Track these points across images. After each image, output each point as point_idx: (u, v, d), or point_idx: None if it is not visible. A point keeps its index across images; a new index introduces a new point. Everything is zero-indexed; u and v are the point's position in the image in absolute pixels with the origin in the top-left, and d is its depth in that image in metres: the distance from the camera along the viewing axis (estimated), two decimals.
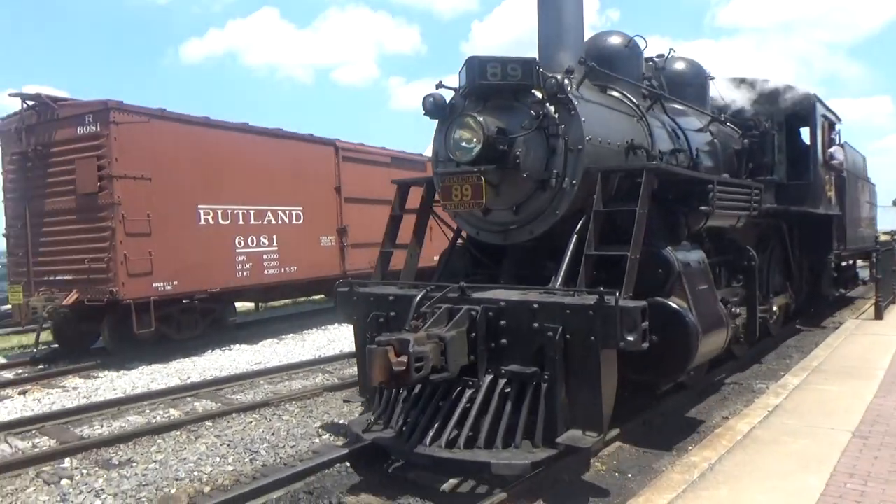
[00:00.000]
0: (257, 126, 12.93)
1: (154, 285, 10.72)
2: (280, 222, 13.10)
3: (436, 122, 5.95)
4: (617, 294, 4.45)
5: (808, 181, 9.77)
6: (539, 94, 5.39)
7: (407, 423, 5.04)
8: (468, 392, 4.95)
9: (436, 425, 4.86)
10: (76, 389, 9.24)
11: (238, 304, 14.09)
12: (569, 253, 5.24)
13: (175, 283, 11.03)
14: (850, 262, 13.27)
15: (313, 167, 13.95)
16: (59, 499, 5.16)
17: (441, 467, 4.81)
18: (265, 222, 12.78)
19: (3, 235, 12.03)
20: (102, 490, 5.26)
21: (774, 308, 8.59)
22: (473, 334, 4.94)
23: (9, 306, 12.42)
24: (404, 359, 4.44)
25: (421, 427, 4.93)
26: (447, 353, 4.68)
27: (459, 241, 6.55)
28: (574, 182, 5.32)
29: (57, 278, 10.93)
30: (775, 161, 8.50)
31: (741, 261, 7.23)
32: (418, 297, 5.23)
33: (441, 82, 5.81)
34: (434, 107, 5.73)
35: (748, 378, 8.03)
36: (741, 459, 4.65)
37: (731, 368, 8.21)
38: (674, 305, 5.30)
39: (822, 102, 10.15)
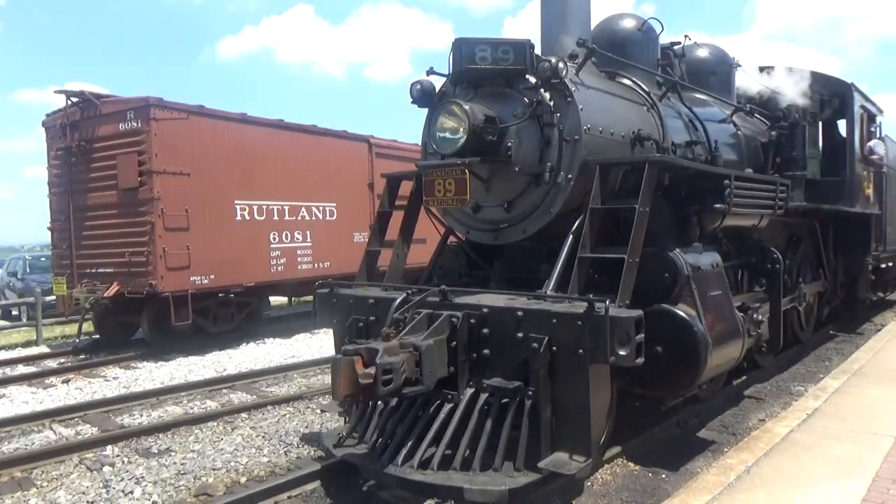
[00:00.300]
0: (293, 123, 12.92)
1: (191, 279, 10.83)
2: (314, 218, 13.06)
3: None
4: (607, 302, 3.85)
5: (843, 177, 8.92)
6: (533, 80, 4.80)
7: (380, 439, 4.54)
8: (447, 407, 4.41)
9: (409, 443, 4.34)
10: (116, 379, 9.40)
11: (272, 299, 14.13)
12: (563, 254, 4.65)
13: (212, 276, 11.13)
14: (890, 263, 12.30)
15: (347, 163, 13.83)
16: (101, 485, 5.20)
17: (413, 490, 4.28)
18: (299, 218, 12.78)
19: (49, 229, 12.22)
20: (143, 477, 5.31)
21: (805, 293, 7.64)
22: (454, 343, 4.40)
23: (53, 297, 12.66)
24: (372, 370, 3.94)
25: (394, 444, 4.42)
26: (422, 363, 4.15)
27: (456, 240, 6.00)
28: (570, 176, 4.73)
29: (99, 271, 11.13)
30: (806, 155, 7.71)
31: (764, 263, 6.53)
32: (397, 302, 4.71)
33: (432, 68, 5.26)
34: (422, 95, 5.19)
35: (786, 380, 7.65)
36: (779, 463, 4.47)
37: (770, 373, 7.73)
38: (681, 314, 4.69)
39: (860, 92, 9.28)
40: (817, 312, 9.06)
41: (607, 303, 3.85)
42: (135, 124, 10.57)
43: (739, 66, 7.74)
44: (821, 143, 9.44)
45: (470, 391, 4.39)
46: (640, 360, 3.89)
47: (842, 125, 9.75)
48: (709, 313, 4.85)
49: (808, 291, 8.05)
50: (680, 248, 4.90)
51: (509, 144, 4.83)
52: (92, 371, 10.00)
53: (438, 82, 5.34)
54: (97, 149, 11.05)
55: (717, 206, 5.27)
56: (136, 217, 10.56)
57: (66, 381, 9.41)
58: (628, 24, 6.22)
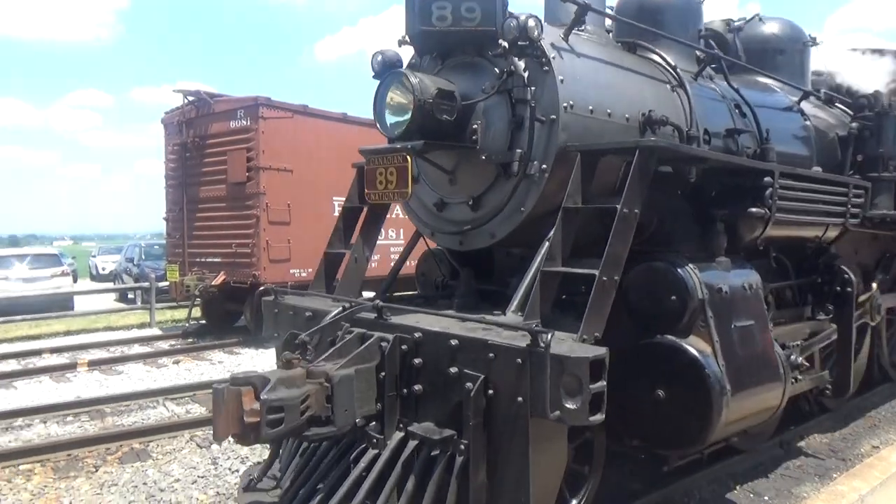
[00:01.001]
0: None
1: (291, 271, 11.08)
2: (407, 217, 13.00)
3: None
4: (549, 336, 2.75)
5: None
6: (506, 45, 3.72)
7: (292, 486, 3.62)
8: (371, 453, 3.43)
9: (318, 497, 3.39)
10: (221, 363, 9.96)
11: (364, 293, 13.94)
12: (534, 266, 3.56)
13: (310, 270, 11.25)
14: None
15: None
16: (210, 461, 5.50)
17: None
18: (393, 216, 12.61)
19: (164, 219, 12.97)
20: (248, 458, 5.50)
21: (881, 304, 5.87)
22: (383, 374, 3.41)
23: (166, 283, 13.22)
24: (258, 406, 3.03)
25: (302, 497, 3.48)
26: (333, 399, 3.19)
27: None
28: (544, 166, 3.62)
29: (208, 260, 11.72)
30: None
31: (832, 285, 5.12)
32: (329, 317, 3.78)
33: (404, 37, 4.25)
34: (383, 68, 4.17)
35: None
36: None
37: (883, 397, 6.76)
38: (690, 349, 3.52)
39: None
40: None
41: (549, 336, 2.75)
42: (244, 122, 10.99)
43: (816, 44, 6.25)
44: None
45: (399, 436, 3.39)
46: (598, 418, 2.76)
47: None
48: (730, 349, 3.65)
49: (886, 304, 6.31)
50: (696, 263, 3.70)
51: (475, 126, 3.79)
52: (199, 354, 10.58)
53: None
54: (209, 145, 11.55)
55: (754, 210, 4.02)
56: (243, 210, 11.00)
57: (177, 363, 10.03)
58: None
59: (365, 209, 4.49)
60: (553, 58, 3.61)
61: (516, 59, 3.69)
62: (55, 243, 55.21)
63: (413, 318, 3.56)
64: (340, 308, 3.81)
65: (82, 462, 5.67)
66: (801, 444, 5.48)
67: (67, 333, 13.81)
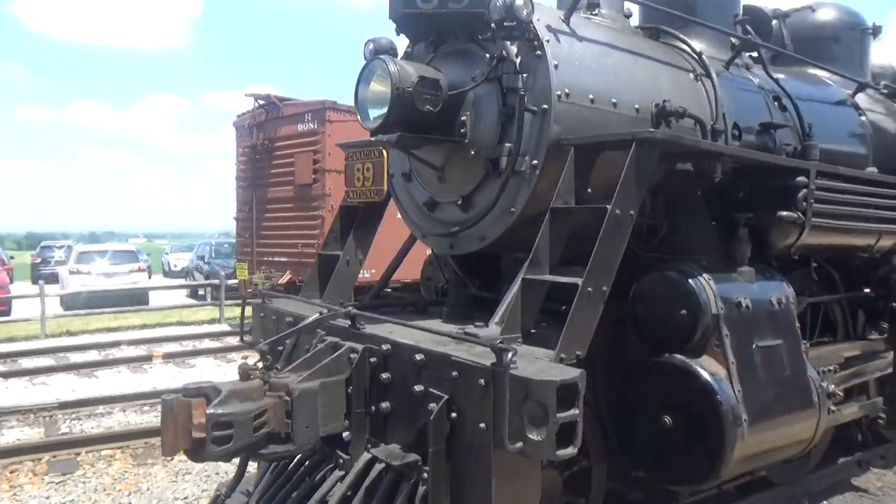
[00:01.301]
0: None
1: None
2: None
3: None
4: (510, 354, 2.36)
5: None
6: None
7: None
8: (336, 474, 3.11)
9: None
10: None
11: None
12: (522, 273, 3.15)
13: (373, 270, 11.06)
14: None
15: None
16: None
17: None
18: None
19: (234, 218, 13.35)
20: None
21: None
22: (351, 388, 3.09)
23: (235, 280, 13.59)
24: (204, 420, 2.76)
25: None
26: (293, 414, 2.90)
27: None
28: (535, 162, 3.23)
29: (275, 259, 11.85)
30: None
31: (888, 300, 4.51)
32: (305, 322, 3.48)
33: None
34: (374, 57, 3.87)
35: None
36: None
37: None
38: (702, 373, 3.07)
39: None
40: None
41: (510, 354, 2.36)
42: (311, 125, 11.17)
43: (879, 31, 5.58)
44: None
45: (366, 457, 3.06)
46: (568, 453, 2.36)
47: None
48: (749, 373, 3.18)
49: None
50: (712, 273, 3.23)
51: (464, 118, 3.42)
52: None
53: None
54: (278, 147, 11.81)
55: (784, 214, 3.52)
56: (309, 211, 11.14)
57: (245, 358, 10.18)
58: None
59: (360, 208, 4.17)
60: (547, 41, 3.21)
61: (508, 43, 3.31)
62: (130, 240, 57.65)
63: (387, 328, 3.23)
64: (317, 314, 3.51)
65: (159, 450, 5.74)
66: (882, 463, 5.20)
67: (143, 327, 14.47)
